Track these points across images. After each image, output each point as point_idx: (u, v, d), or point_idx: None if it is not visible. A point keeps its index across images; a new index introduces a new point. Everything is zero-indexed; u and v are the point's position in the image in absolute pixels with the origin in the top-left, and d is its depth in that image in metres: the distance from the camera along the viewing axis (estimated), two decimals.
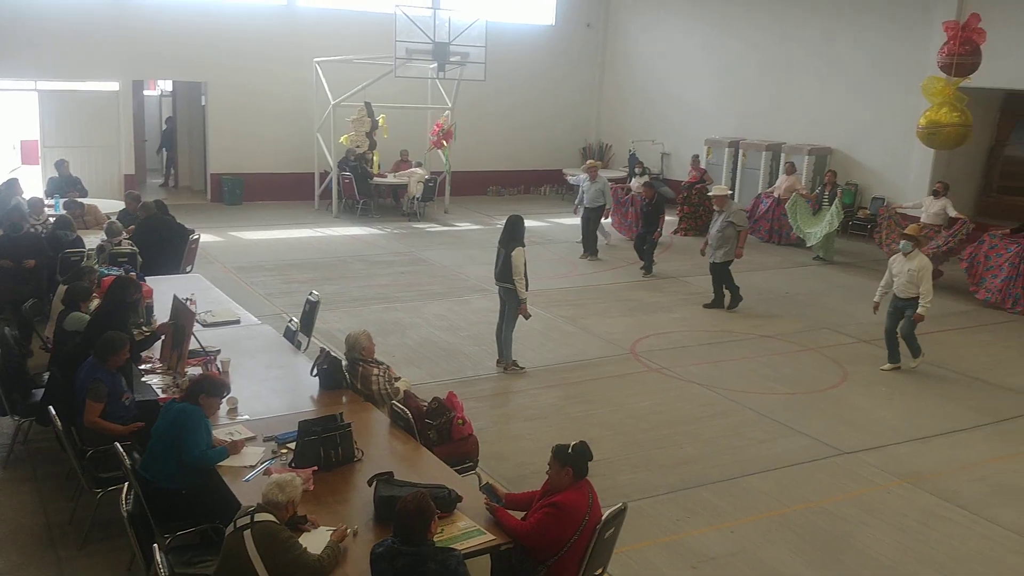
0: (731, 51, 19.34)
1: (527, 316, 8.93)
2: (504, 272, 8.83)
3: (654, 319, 11.37)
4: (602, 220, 14.99)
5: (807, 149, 17.26)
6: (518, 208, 16.30)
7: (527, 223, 9.32)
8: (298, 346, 7.76)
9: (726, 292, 11.88)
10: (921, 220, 13.26)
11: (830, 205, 14.90)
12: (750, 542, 6.07)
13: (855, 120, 17.02)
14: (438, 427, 6.09)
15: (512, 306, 8.96)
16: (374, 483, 4.83)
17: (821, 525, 6.34)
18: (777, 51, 18.37)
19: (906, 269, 9.25)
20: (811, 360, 10.02)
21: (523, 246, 8.80)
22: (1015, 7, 13.98)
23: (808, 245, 15.09)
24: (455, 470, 5.61)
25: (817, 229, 14.83)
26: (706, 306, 11.91)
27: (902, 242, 9.41)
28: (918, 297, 9.26)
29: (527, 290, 8.83)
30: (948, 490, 6.92)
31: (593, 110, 22.85)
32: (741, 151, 18.37)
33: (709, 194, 13.37)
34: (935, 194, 13.49)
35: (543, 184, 22.12)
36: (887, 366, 9.68)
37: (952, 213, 13.22)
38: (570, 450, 4.70)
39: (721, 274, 11.77)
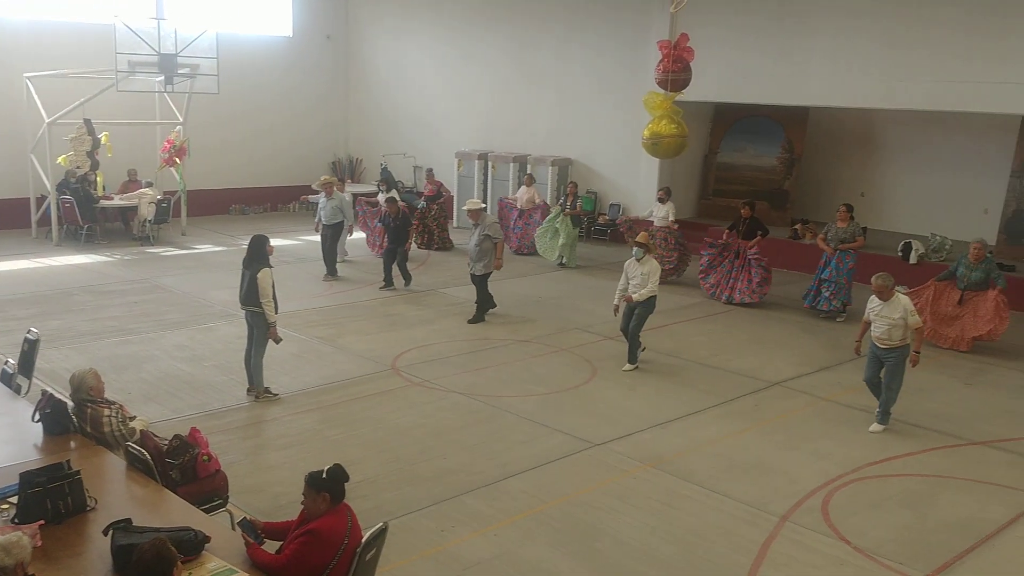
0: (474, 64, 19.91)
1: (277, 340, 8.59)
2: (250, 295, 8.43)
3: (415, 332, 11.38)
4: (346, 237, 14.79)
5: (550, 160, 18.14)
6: (265, 227, 15.78)
7: (276, 242, 8.99)
8: (17, 390, 6.99)
9: (494, 302, 12.14)
10: (654, 224, 14.39)
11: (571, 215, 15.76)
12: (512, 542, 6.22)
13: (590, 133, 18.15)
14: (181, 466, 5.67)
15: (260, 330, 8.57)
16: (110, 532, 4.41)
17: (577, 516, 6.63)
18: (517, 65, 19.17)
19: (639, 272, 9.98)
20: (564, 360, 10.49)
21: (269, 267, 8.46)
22: (719, 29, 15.58)
23: (549, 257, 15.80)
24: (203, 509, 5.32)
25: (558, 244, 15.64)
26: (470, 321, 12.03)
27: (635, 248, 10.09)
28: (652, 297, 9.99)
29: (276, 312, 8.50)
30: (687, 469, 7.51)
31: (341, 123, 22.58)
32: (490, 163, 18.93)
33: (463, 208, 13.62)
34: (660, 200, 14.65)
35: (292, 200, 21.49)
36: (627, 367, 10.21)
37: (671, 218, 14.44)
38: (324, 475, 4.55)
39: (481, 286, 11.98)
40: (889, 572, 6.01)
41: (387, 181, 17.23)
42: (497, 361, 10.34)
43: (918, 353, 8.31)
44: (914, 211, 16.03)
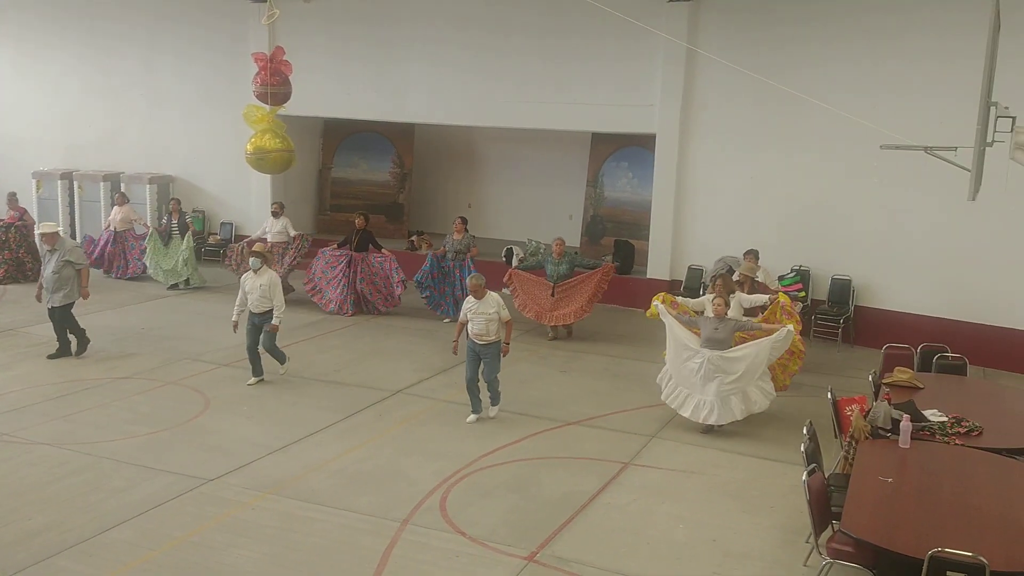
0: (49, 77, 17.87)
1: None
2: None
3: None
4: None
5: (148, 178, 16.85)
6: None
7: None
8: None
9: (72, 337, 10.90)
10: (268, 240, 13.97)
11: (181, 235, 14.92)
12: None
13: (191, 148, 17.17)
14: None
15: None
16: None
17: (189, 559, 6.16)
18: (99, 79, 17.54)
19: (258, 285, 9.89)
20: (172, 394, 9.75)
21: None
22: (321, 44, 15.62)
23: (166, 282, 14.78)
24: None
25: (172, 264, 14.69)
26: (51, 356, 10.79)
27: (251, 259, 10.04)
28: (272, 311, 9.90)
29: None
30: (308, 491, 7.36)
31: None
32: (76, 183, 17.08)
33: (37, 232, 12.10)
34: (274, 215, 14.34)
35: None
36: (252, 380, 10.09)
37: (292, 232, 14.21)
38: None
39: (64, 318, 10.77)
40: (499, 555, 6.41)
41: None
42: (91, 404, 9.29)
43: (508, 344, 9.18)
44: (513, 219, 17.45)
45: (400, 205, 18.19)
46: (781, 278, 12.27)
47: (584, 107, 14.33)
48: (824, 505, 5.95)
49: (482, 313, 8.91)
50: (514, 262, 15.42)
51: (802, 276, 12.73)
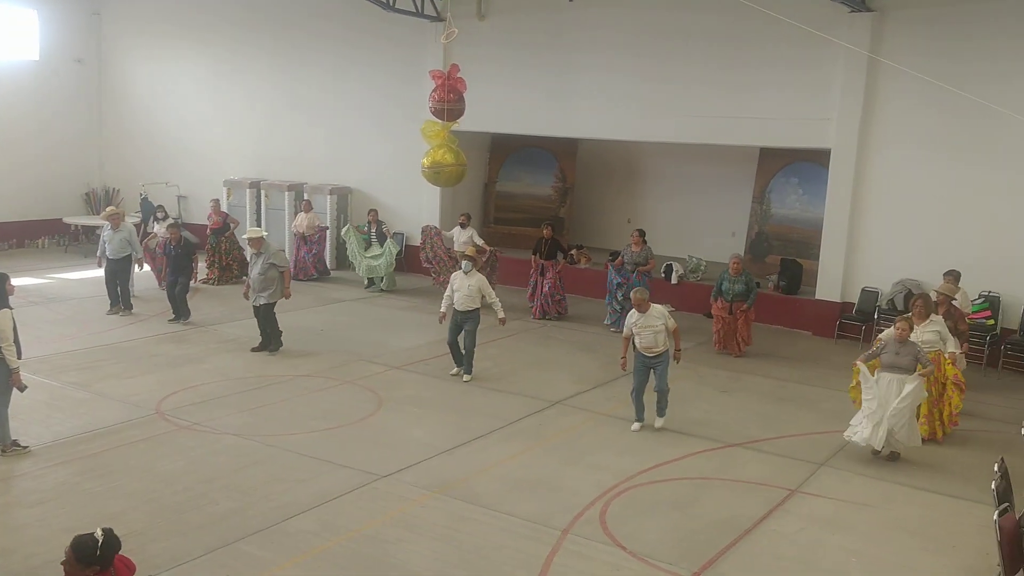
0: (241, 91, 19.28)
1: (22, 388, 7.79)
2: None
3: (183, 373, 10.71)
4: (135, 270, 13.95)
5: (328, 189, 17.85)
6: (9, 264, 14.27)
7: (22, 280, 8.18)
8: None
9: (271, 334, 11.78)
10: (455, 248, 14.61)
11: (379, 241, 15.89)
12: None
13: (369, 161, 18.04)
14: None
15: (3, 377, 7.71)
16: None
17: (364, 552, 6.47)
18: (288, 94, 18.76)
19: (467, 285, 10.41)
20: (349, 393, 10.27)
21: (9, 308, 7.66)
22: (492, 62, 16.05)
23: (364, 276, 15.91)
24: None
25: (380, 262, 15.76)
26: (253, 349, 11.71)
27: (463, 262, 10.66)
28: (476, 310, 10.48)
29: (20, 358, 7.70)
30: (473, 493, 7.56)
31: (94, 151, 20.99)
32: (263, 192, 18.33)
33: (244, 237, 13.18)
34: (461, 226, 15.01)
35: (41, 235, 19.65)
36: (455, 370, 10.78)
37: (479, 242, 14.80)
38: (98, 552, 4.07)
39: (267, 316, 11.67)
40: (661, 572, 6.35)
41: (149, 212, 16.27)
42: (276, 398, 9.94)
43: (679, 351, 9.19)
44: (673, 235, 17.21)
45: (561, 219, 18.35)
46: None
47: (755, 121, 14.00)
48: (1016, 547, 5.54)
49: (648, 327, 8.89)
50: (674, 279, 15.29)
51: (991, 303, 11.88)
